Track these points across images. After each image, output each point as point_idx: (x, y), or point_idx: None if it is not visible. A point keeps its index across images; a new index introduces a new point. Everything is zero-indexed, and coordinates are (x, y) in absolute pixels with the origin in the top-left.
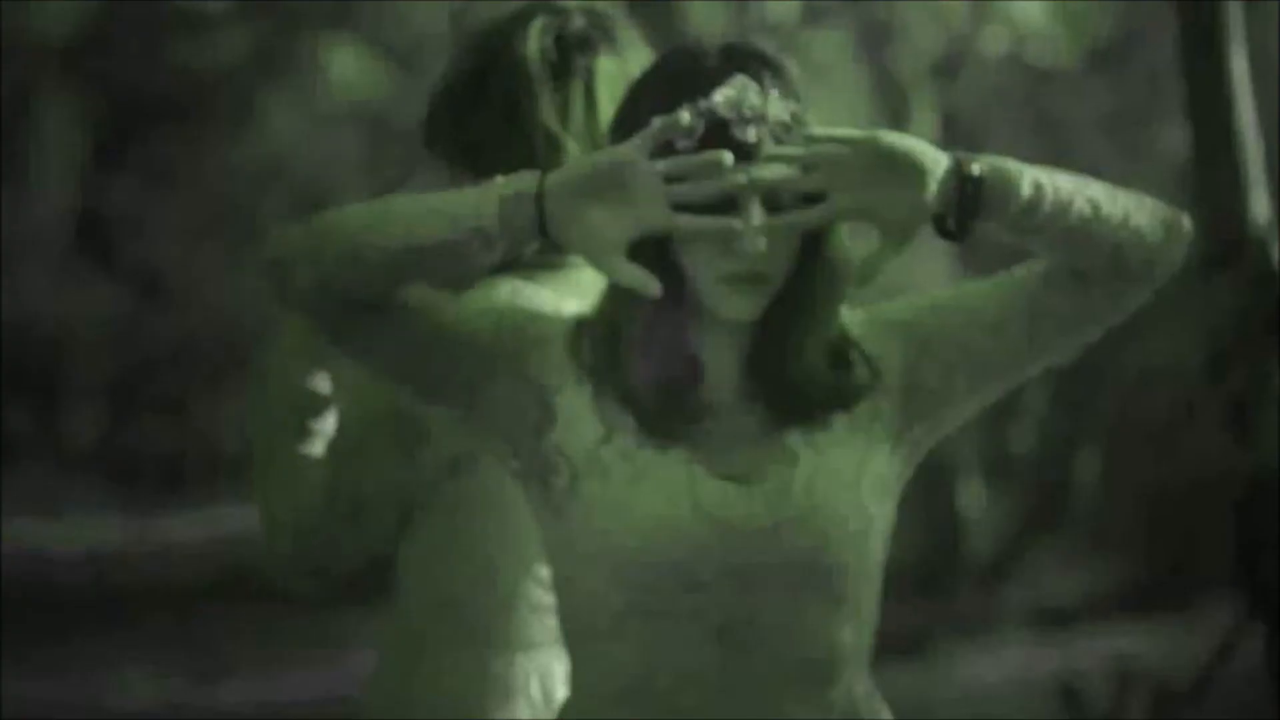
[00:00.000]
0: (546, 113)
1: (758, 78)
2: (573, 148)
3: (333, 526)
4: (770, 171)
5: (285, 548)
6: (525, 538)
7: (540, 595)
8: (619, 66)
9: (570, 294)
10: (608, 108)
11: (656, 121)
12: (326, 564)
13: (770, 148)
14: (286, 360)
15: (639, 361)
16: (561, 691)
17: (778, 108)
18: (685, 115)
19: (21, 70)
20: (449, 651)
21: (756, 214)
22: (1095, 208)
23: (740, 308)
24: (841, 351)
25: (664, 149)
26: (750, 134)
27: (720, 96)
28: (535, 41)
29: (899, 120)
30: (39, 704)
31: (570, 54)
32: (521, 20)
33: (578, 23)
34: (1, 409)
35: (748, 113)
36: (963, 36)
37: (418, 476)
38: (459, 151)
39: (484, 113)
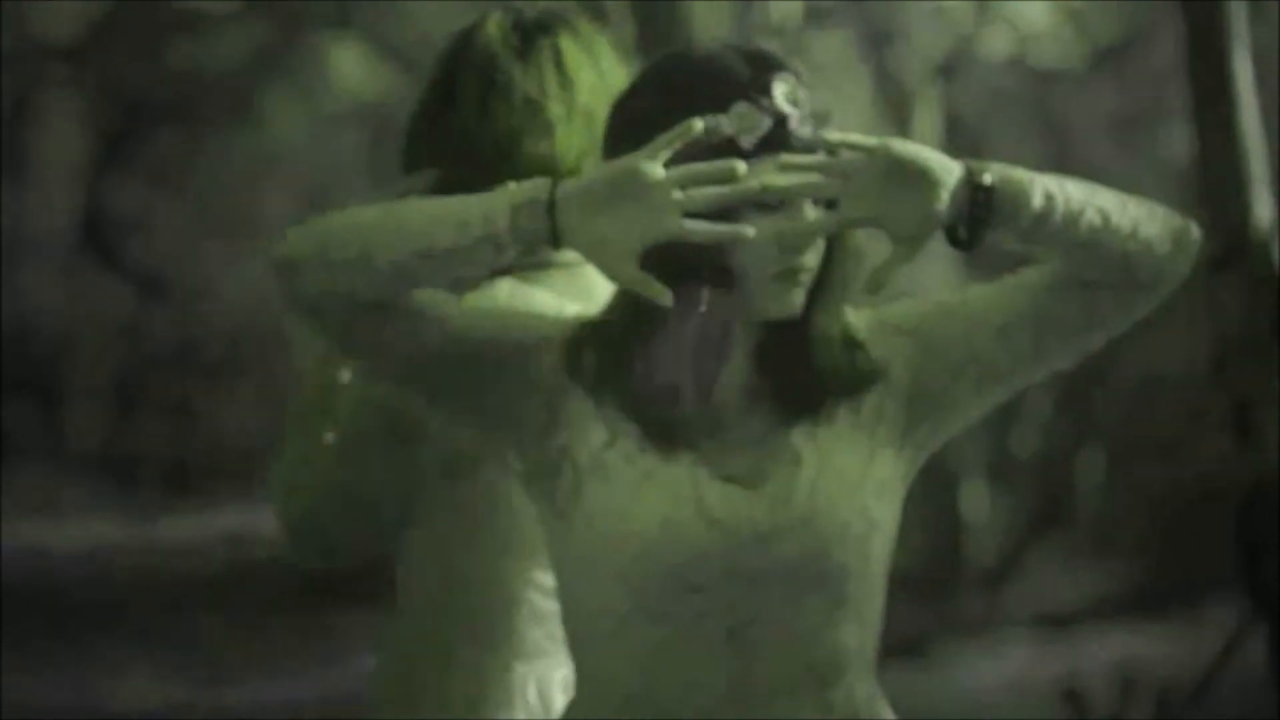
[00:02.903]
0: (521, 81)
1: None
2: (555, 109)
3: (336, 518)
4: (783, 178)
5: (294, 529)
6: (525, 544)
7: (541, 603)
8: (583, 47)
9: (570, 295)
10: (583, 79)
11: (724, 120)
12: (333, 550)
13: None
14: (322, 351)
15: (656, 369)
16: (559, 698)
17: (818, 103)
18: (751, 114)
19: (24, 71)
20: (446, 654)
21: (809, 210)
22: (1105, 218)
23: (791, 303)
24: (848, 348)
25: (727, 148)
26: (808, 129)
27: (780, 93)
28: (495, 29)
29: (902, 122)
30: (40, 704)
31: (532, 34)
32: (477, 22)
33: (532, 12)
34: (3, 408)
35: (805, 108)
36: (965, 38)
37: (415, 476)
38: (446, 156)
39: (461, 106)
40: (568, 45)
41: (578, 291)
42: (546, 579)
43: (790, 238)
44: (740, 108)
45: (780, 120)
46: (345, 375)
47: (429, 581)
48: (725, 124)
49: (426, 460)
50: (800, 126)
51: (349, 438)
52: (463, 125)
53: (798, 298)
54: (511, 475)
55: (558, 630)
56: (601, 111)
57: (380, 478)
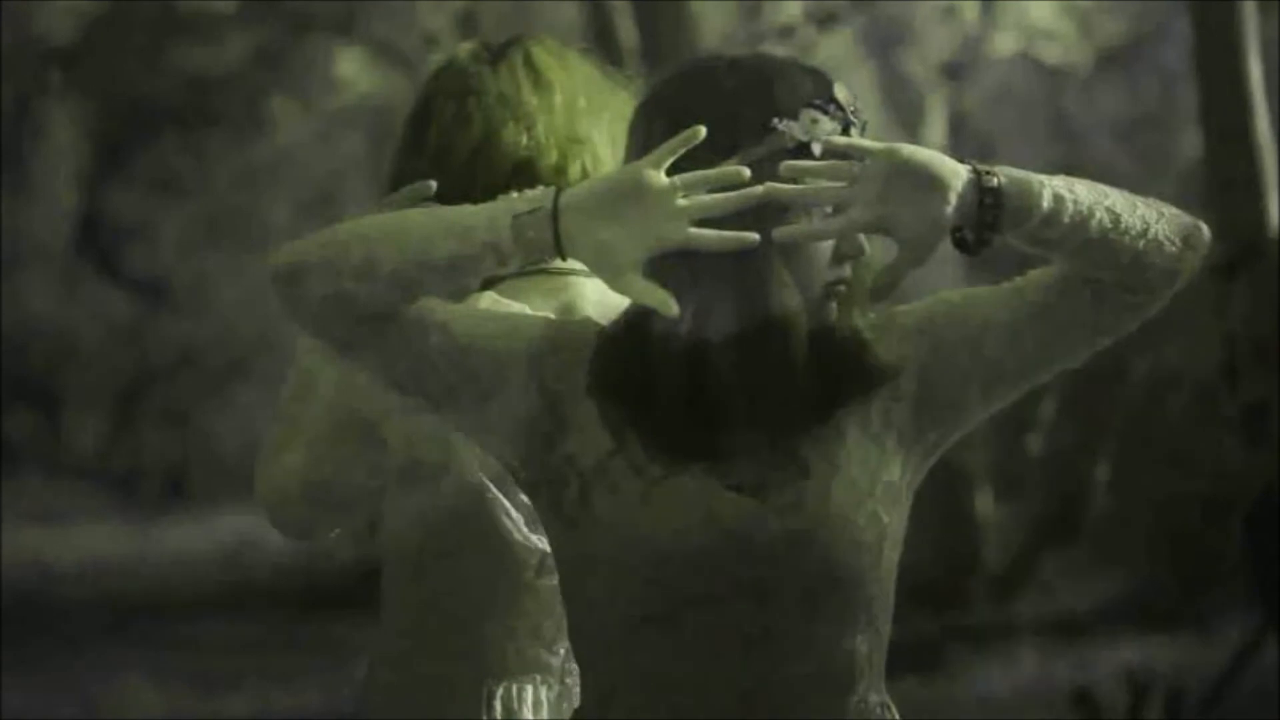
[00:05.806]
0: (494, 83)
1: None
2: (532, 101)
3: (309, 503)
4: (789, 185)
5: (271, 509)
6: (500, 562)
7: (514, 621)
8: (552, 54)
9: (555, 307)
10: (557, 78)
11: (796, 126)
12: (309, 530)
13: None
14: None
15: (664, 378)
16: (528, 713)
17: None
18: (823, 120)
19: (25, 75)
20: (418, 668)
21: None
22: (1115, 219)
23: (831, 313)
24: (859, 351)
25: (799, 151)
26: (860, 130)
27: (844, 98)
28: (465, 54)
29: (910, 122)
30: (39, 712)
31: (500, 49)
32: (449, 56)
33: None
34: (2, 417)
35: (861, 114)
36: (974, 38)
37: (380, 480)
38: (429, 171)
39: (439, 120)
40: (537, 50)
41: (565, 303)
42: (523, 597)
43: (842, 246)
44: (811, 114)
45: (846, 126)
46: (327, 369)
47: (402, 594)
48: (799, 130)
49: (390, 466)
50: (859, 127)
51: (320, 432)
52: (441, 136)
53: (834, 309)
54: (483, 492)
55: (529, 649)
56: (582, 108)
57: (348, 474)
